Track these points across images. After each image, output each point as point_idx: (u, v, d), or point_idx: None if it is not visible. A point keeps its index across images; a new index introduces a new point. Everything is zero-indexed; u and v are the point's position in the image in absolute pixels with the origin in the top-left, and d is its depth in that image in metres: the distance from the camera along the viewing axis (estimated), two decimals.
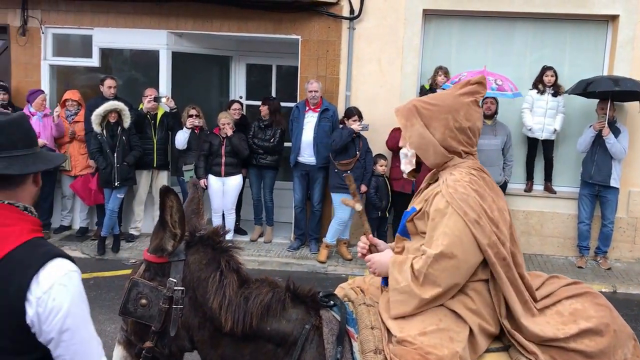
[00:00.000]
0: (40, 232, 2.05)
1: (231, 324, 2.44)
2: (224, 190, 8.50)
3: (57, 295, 1.87)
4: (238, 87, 10.06)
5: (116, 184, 8.18)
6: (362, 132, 8.11)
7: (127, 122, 8.20)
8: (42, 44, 9.18)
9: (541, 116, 8.39)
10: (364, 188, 8.16)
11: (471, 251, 2.46)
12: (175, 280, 2.45)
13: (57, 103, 9.01)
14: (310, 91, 8.28)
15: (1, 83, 8.76)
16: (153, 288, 2.45)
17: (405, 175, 2.87)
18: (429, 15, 8.75)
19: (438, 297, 2.48)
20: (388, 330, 2.55)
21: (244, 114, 9.18)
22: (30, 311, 1.85)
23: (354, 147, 8.11)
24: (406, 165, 2.79)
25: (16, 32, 9.11)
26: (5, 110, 7.78)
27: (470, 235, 2.45)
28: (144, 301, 2.45)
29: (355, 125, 8.00)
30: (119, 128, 8.16)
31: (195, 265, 2.50)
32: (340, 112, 8.49)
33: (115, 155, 8.11)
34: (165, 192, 2.40)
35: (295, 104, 8.74)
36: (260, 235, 9.16)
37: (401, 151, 2.79)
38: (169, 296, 2.44)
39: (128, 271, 2.65)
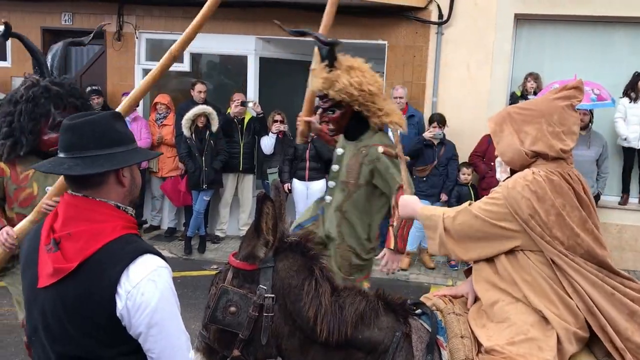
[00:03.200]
0: (135, 229, 2.10)
1: (327, 333, 2.41)
2: (307, 194, 8.55)
3: (145, 290, 1.93)
4: None
5: (204, 186, 8.39)
6: (449, 139, 7.97)
7: (214, 126, 8.39)
8: (136, 49, 9.54)
9: (636, 124, 7.96)
10: (443, 197, 7.98)
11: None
12: (265, 288, 2.42)
13: (150, 106, 9.33)
14: (395, 97, 8.20)
15: (95, 87, 9.15)
16: (243, 296, 2.42)
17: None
18: (521, 19, 8.48)
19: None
20: (478, 341, 2.52)
21: None
22: (120, 304, 1.92)
23: (432, 153, 7.97)
24: (502, 174, 2.82)
25: (112, 37, 9.51)
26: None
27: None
28: (233, 309, 2.41)
29: (426, 133, 7.90)
30: (207, 132, 8.37)
31: (285, 272, 2.46)
32: (427, 119, 8.37)
33: (203, 158, 8.32)
34: (263, 198, 2.38)
35: None
36: None
37: (497, 159, 2.79)
38: (259, 304, 2.41)
39: (213, 272, 2.66)
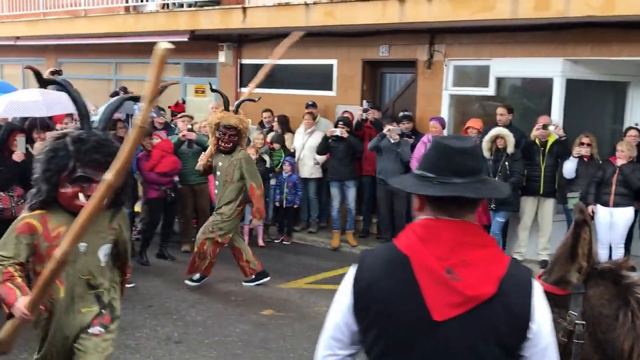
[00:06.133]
0: None
1: None
2: (611, 222, 8.13)
3: (542, 308, 2.07)
4: (634, 113, 9.46)
5: (492, 206, 8.54)
6: None
7: (510, 148, 8.51)
8: (444, 75, 10.09)
9: None
10: None
11: None
12: (575, 314, 2.41)
13: (453, 130, 9.81)
14: None
15: (407, 113, 9.95)
16: (552, 320, 2.44)
17: None
18: None
19: None
20: None
21: None
22: (533, 325, 2.04)
23: None
24: None
25: (423, 65, 10.22)
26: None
27: None
28: None
29: None
30: (504, 154, 8.54)
31: (596, 300, 2.43)
32: None
33: (495, 179, 8.48)
34: (581, 223, 2.42)
35: None
36: None
37: None
38: (569, 330, 2.41)
39: None
